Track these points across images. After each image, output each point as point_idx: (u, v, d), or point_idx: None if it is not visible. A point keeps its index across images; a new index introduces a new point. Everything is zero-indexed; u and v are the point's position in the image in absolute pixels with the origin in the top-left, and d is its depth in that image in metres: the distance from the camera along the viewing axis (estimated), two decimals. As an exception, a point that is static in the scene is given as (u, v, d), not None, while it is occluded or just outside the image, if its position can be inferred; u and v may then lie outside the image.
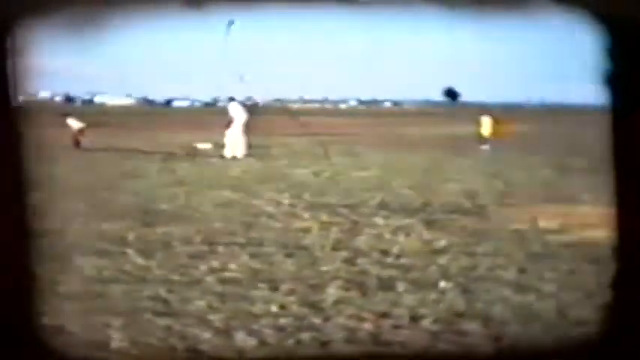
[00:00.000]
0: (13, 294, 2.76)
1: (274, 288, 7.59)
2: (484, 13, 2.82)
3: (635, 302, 2.77)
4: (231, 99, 26.16)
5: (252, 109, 27.07)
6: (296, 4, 3.12)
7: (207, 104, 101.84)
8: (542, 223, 11.32)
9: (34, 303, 2.91)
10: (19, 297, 2.77)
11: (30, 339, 2.83)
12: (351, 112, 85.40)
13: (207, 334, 6.16)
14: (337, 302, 7.12)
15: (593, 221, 11.54)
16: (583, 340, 3.73)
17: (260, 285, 7.70)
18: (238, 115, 25.40)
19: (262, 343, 6.01)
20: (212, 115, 37.00)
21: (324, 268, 8.49)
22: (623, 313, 2.82)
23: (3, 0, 2.59)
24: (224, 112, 26.34)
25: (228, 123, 25.29)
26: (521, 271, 8.34)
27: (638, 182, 2.72)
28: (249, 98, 28.39)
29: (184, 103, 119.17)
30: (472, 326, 6.38)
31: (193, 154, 25.26)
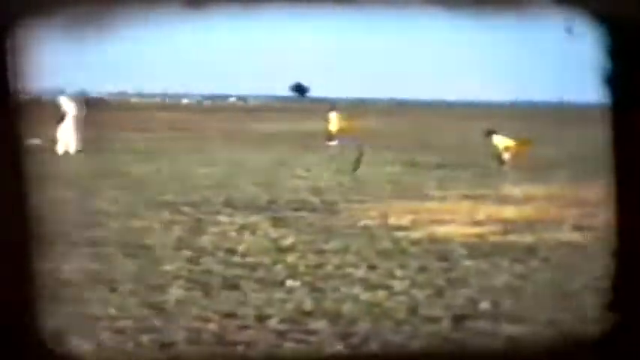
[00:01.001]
0: (13, 294, 2.75)
1: (113, 289, 7.45)
2: (482, 11, 2.84)
3: (634, 302, 2.84)
4: (62, 92, 25.50)
5: (88, 102, 26.48)
6: (296, 4, 3.09)
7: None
8: (392, 220, 11.55)
9: (35, 304, 2.89)
10: (20, 297, 2.77)
11: (31, 340, 2.81)
12: (193, 108, 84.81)
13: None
14: (180, 303, 7.05)
15: (442, 217, 11.89)
16: (583, 340, 3.81)
17: (98, 287, 7.54)
18: (70, 109, 24.79)
19: (100, 346, 5.89)
20: (42, 108, 35.95)
21: (166, 268, 8.40)
22: (623, 313, 2.89)
23: (3, 0, 2.60)
24: (56, 106, 25.68)
25: (61, 118, 24.65)
26: (371, 268, 8.48)
27: (638, 182, 2.79)
28: (82, 92, 27.75)
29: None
30: (320, 325, 6.44)
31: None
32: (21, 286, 2.77)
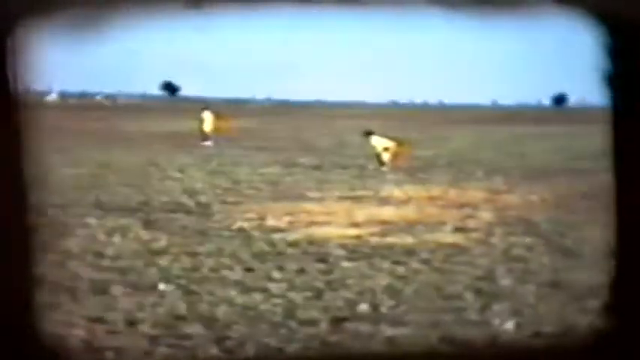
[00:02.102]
0: (14, 295, 2.76)
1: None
2: (482, 12, 2.85)
3: (634, 302, 2.88)
4: None
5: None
6: (297, 4, 3.04)
7: None
8: (269, 222, 11.59)
9: (35, 304, 2.90)
10: (20, 298, 2.77)
11: (31, 340, 2.76)
12: (57, 105, 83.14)
13: None
14: (44, 308, 6.92)
15: (320, 219, 11.99)
16: (582, 340, 3.84)
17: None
18: None
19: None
20: None
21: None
22: (623, 313, 2.93)
23: (3, 0, 2.58)
24: None
25: None
26: (248, 270, 8.50)
27: (638, 182, 2.82)
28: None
29: None
30: (194, 329, 6.42)
31: None
32: (20, 287, 2.75)
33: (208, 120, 31.28)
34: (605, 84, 2.85)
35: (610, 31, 2.82)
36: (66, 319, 6.56)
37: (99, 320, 6.60)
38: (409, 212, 12.74)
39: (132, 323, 6.55)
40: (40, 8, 2.62)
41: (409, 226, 11.29)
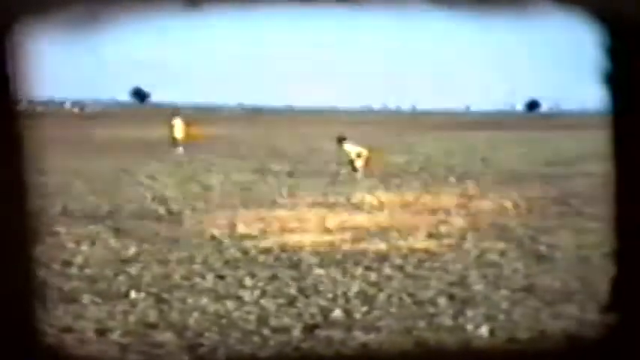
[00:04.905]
0: (14, 295, 2.74)
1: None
2: (482, 11, 2.85)
3: (635, 302, 2.89)
4: None
5: None
6: (296, 5, 3.03)
7: None
8: (241, 229, 11.58)
9: (36, 304, 2.87)
10: (20, 298, 2.76)
11: (32, 341, 2.79)
12: (23, 113, 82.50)
13: None
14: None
15: (293, 225, 12.00)
16: (583, 341, 3.84)
17: None
18: None
19: None
20: None
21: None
22: (623, 314, 2.93)
23: (3, 0, 2.59)
24: None
25: None
26: (219, 278, 8.49)
27: (638, 183, 2.83)
28: None
29: None
30: (166, 337, 6.41)
31: None
32: (20, 287, 2.75)
33: (179, 127, 31.24)
34: (605, 84, 2.87)
35: (610, 31, 2.84)
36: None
37: (68, 329, 6.57)
38: (382, 218, 12.77)
39: (102, 332, 6.52)
40: (41, 8, 2.62)
41: (382, 232, 11.31)
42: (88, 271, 8.79)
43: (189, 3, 2.79)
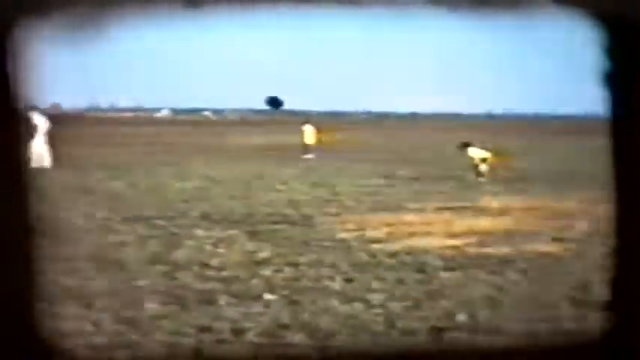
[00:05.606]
0: (14, 295, 2.76)
1: (87, 305, 7.42)
2: (482, 12, 2.85)
3: (635, 302, 2.85)
4: (33, 108, 25.36)
5: (58, 118, 26.38)
6: (297, 5, 3.09)
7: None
8: (369, 233, 11.57)
9: (36, 304, 2.89)
10: (21, 298, 2.78)
11: (33, 340, 2.80)
12: (167, 121, 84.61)
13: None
14: (155, 317, 7.03)
15: (419, 229, 11.93)
16: (583, 341, 3.81)
17: (72, 302, 7.51)
18: (41, 124, 24.68)
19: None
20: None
21: (141, 283, 8.37)
22: (623, 314, 2.90)
23: (3, 0, 2.61)
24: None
25: (32, 133, 24.49)
26: (348, 281, 8.49)
27: (639, 183, 2.79)
28: (55, 106, 27.63)
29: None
30: (298, 338, 6.44)
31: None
32: (21, 287, 2.80)
33: (309, 133, 31.46)
34: (604, 84, 2.78)
35: (610, 31, 2.75)
36: (176, 329, 6.66)
37: (207, 329, 6.67)
38: (506, 222, 12.58)
39: (238, 332, 6.60)
40: (41, 8, 2.62)
41: (506, 237, 11.15)
42: (224, 273, 8.91)
43: (189, 3, 2.77)
